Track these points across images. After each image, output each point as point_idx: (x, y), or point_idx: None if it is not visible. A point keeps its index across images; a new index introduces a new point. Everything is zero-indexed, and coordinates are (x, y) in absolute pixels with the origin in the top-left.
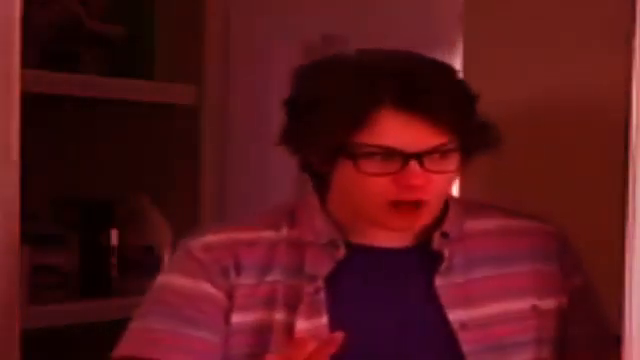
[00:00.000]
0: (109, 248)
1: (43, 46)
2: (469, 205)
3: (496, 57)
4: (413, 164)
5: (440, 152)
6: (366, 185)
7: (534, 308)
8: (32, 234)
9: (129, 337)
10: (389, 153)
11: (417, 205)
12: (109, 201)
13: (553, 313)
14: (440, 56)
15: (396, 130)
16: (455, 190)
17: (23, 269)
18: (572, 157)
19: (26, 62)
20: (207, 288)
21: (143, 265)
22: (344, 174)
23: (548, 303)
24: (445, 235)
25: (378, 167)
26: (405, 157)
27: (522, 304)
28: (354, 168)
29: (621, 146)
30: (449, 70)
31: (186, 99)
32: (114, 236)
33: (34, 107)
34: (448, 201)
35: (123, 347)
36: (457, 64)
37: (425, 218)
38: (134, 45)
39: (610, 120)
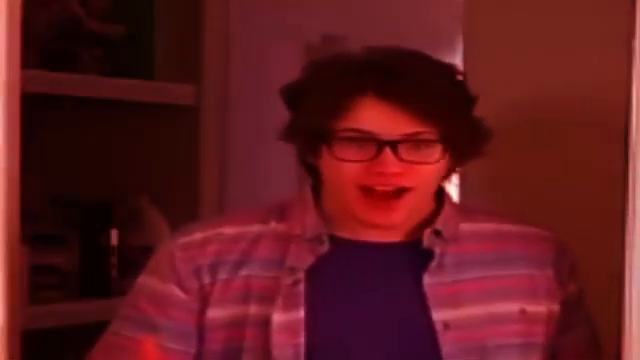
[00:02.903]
0: (109, 248)
1: (43, 46)
2: (468, 209)
3: (496, 57)
4: (387, 151)
5: (415, 141)
6: (339, 170)
7: (522, 312)
8: (32, 234)
9: (103, 340)
10: (364, 139)
11: (395, 195)
12: (109, 201)
13: (543, 319)
14: (440, 56)
15: (373, 116)
16: (454, 190)
17: (23, 269)
18: (572, 157)
19: (26, 62)
20: (176, 292)
21: (143, 265)
22: (324, 162)
23: (538, 308)
24: (437, 233)
25: (352, 153)
26: (379, 144)
27: (510, 307)
28: (329, 153)
29: (621, 146)
30: (443, 67)
31: (186, 99)
32: (114, 236)
33: (34, 107)
34: (444, 201)
35: (94, 351)
36: (457, 64)
37: (404, 210)
38: (134, 45)
39: (610, 120)
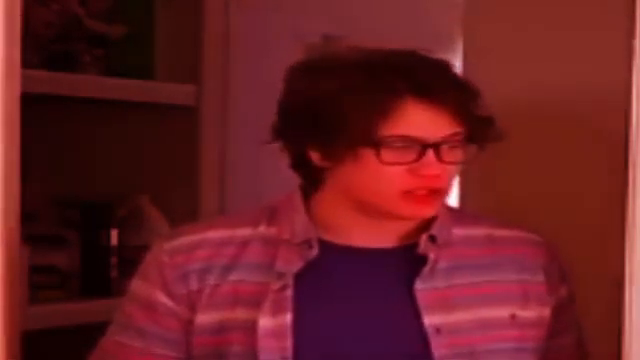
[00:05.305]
0: (109, 248)
1: (43, 46)
2: (458, 213)
3: (496, 57)
4: (430, 154)
5: (455, 141)
6: (382, 175)
7: (513, 317)
8: (32, 234)
9: (99, 346)
10: (409, 142)
11: (433, 194)
12: (109, 201)
13: (534, 324)
14: (440, 56)
15: (416, 120)
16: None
17: (23, 269)
18: (572, 156)
19: (26, 62)
20: (163, 299)
21: None
22: (357, 166)
23: (529, 313)
24: (432, 239)
25: (397, 157)
26: (423, 146)
27: (501, 312)
28: (375, 158)
29: (621, 146)
30: (450, 64)
31: (185, 99)
32: (114, 236)
33: (34, 107)
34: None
35: (92, 357)
36: (457, 64)
37: (438, 207)
38: (134, 45)
39: (610, 120)
